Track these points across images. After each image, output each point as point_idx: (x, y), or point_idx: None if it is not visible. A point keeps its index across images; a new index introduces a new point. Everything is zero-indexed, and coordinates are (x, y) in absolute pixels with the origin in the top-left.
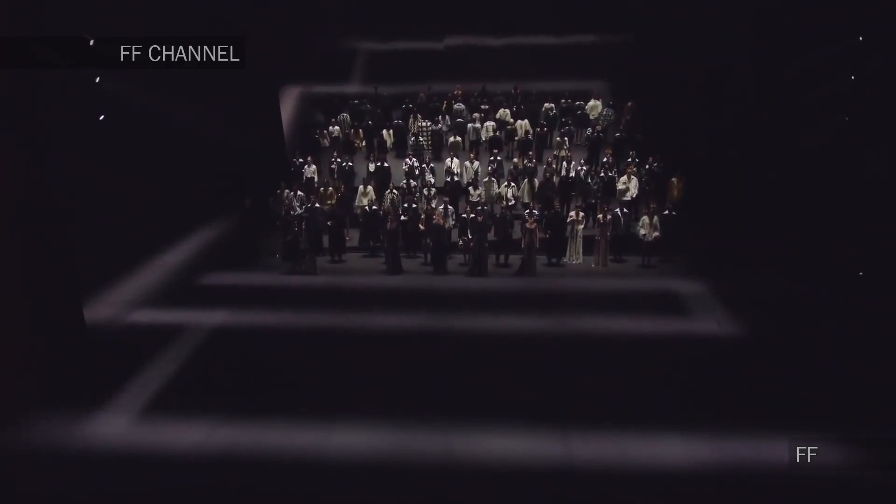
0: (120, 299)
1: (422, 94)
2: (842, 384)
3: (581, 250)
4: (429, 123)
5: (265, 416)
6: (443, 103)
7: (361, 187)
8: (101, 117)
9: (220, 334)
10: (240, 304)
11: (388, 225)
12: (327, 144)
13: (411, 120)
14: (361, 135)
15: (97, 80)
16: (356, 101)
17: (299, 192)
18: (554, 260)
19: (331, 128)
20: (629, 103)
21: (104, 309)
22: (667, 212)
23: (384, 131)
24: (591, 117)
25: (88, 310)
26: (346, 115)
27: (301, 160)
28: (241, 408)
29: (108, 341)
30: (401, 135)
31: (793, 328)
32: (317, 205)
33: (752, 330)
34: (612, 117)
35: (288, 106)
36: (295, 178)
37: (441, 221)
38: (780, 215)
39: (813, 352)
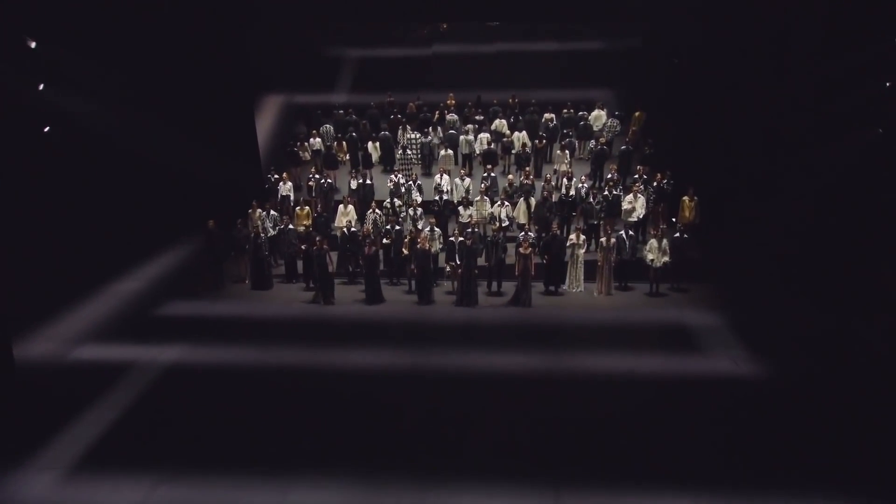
0: (61, 333)
1: (411, 104)
2: (886, 435)
3: (582, 277)
4: (418, 135)
5: (214, 472)
6: (434, 114)
7: (341, 206)
8: (46, 129)
9: (173, 374)
10: (198, 338)
11: (368, 249)
12: (308, 158)
13: (400, 132)
14: (345, 147)
15: (40, 87)
16: (341, 111)
17: (272, 212)
18: (552, 288)
19: (312, 140)
20: (637, 113)
21: (42, 344)
22: (678, 234)
23: (370, 144)
24: (595, 128)
25: (21, 345)
26: (329, 127)
27: (276, 176)
28: (189, 462)
29: (42, 382)
30: (388, 148)
31: (824, 368)
32: (290, 226)
33: (775, 370)
34: (618, 128)
35: (266, 117)
36: (269, 197)
37: (426, 245)
38: (807, 238)
39: (849, 397)
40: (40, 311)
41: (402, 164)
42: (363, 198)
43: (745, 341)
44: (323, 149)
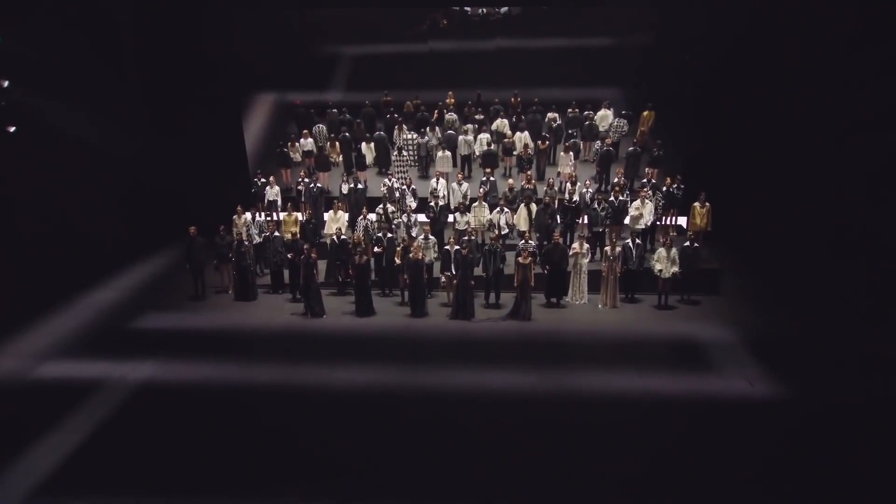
0: (25, 348)
1: (409, 103)
2: None
3: (585, 288)
4: (415, 136)
5: (189, 501)
6: (433, 113)
7: (331, 212)
8: (12, 129)
9: (145, 392)
10: (174, 353)
11: (358, 258)
12: (299, 160)
13: (396, 132)
14: (338, 148)
15: (5, 84)
16: (334, 110)
17: (258, 218)
18: (553, 300)
19: (303, 140)
20: (645, 112)
21: (4, 361)
22: (688, 243)
23: (364, 144)
24: (601, 129)
25: None
26: (321, 127)
27: (263, 180)
28: (160, 490)
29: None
30: (383, 149)
31: (848, 389)
32: (276, 233)
33: (794, 392)
34: (626, 129)
35: (257, 116)
36: (255, 201)
37: (420, 254)
38: (828, 247)
39: (876, 421)
40: (2, 324)
41: (397, 167)
42: (355, 203)
43: (761, 359)
44: (315, 149)
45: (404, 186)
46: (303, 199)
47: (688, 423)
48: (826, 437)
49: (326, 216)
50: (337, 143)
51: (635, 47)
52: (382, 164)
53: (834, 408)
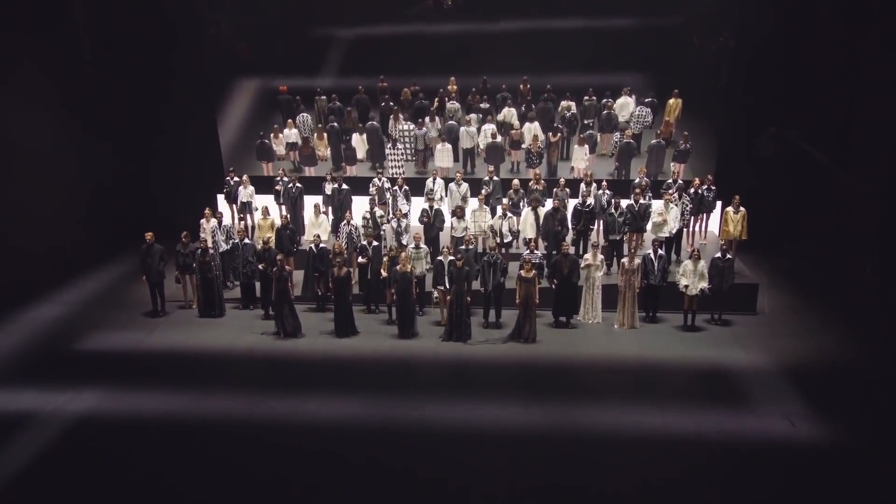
0: None
1: (406, 90)
2: None
3: (599, 306)
4: (412, 126)
5: None
6: (432, 101)
7: (312, 216)
8: None
9: (84, 427)
10: (122, 379)
11: (338, 269)
12: (282, 153)
13: (391, 122)
14: (326, 140)
15: None
16: (322, 97)
17: (224, 222)
18: (562, 319)
19: (287, 131)
20: (671, 100)
21: None
22: (719, 254)
23: (356, 135)
24: (621, 119)
25: None
26: (306, 116)
27: (236, 178)
28: None
29: None
30: (377, 141)
31: None
32: (247, 240)
33: (843, 434)
34: (649, 119)
35: (234, 104)
36: (228, 202)
37: (409, 266)
38: (887, 260)
39: None
40: None
41: (392, 161)
42: (339, 206)
43: (805, 393)
44: (300, 141)
45: (395, 186)
46: (280, 201)
47: (717, 469)
48: (882, 487)
49: (307, 220)
50: (325, 135)
51: (661, 28)
52: (375, 157)
53: (891, 453)
